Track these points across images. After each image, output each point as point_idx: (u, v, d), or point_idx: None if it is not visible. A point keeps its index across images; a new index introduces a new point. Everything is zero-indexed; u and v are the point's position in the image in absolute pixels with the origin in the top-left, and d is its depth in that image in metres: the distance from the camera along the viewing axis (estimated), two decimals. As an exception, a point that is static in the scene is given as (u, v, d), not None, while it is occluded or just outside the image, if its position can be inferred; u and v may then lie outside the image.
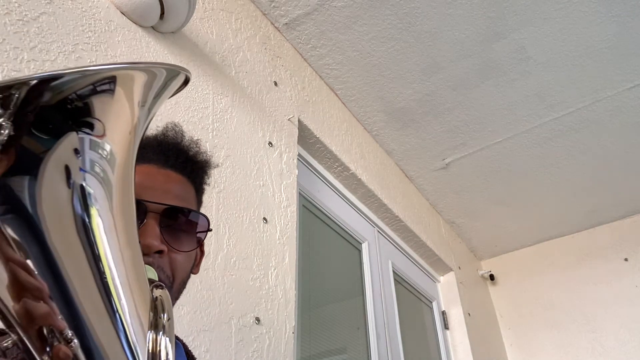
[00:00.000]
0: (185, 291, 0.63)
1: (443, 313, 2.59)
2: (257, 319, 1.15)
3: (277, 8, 1.74)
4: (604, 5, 1.77)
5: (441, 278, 2.73)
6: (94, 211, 0.36)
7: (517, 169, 2.54)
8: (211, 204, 1.14)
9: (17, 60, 0.84)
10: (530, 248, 3.20)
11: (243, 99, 1.44)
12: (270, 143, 1.48)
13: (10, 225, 0.33)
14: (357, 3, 1.74)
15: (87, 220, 0.36)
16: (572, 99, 2.15)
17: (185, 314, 0.96)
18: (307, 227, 1.71)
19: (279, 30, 1.82)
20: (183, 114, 1.17)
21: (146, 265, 0.47)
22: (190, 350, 0.69)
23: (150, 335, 0.40)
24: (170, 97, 0.44)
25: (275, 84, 1.65)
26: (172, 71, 0.41)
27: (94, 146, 0.36)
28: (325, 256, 1.83)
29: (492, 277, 3.18)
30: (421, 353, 2.30)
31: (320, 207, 1.82)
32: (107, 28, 1.06)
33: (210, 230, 0.65)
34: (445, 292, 2.68)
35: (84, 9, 1.02)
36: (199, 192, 0.68)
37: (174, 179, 0.63)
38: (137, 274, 0.40)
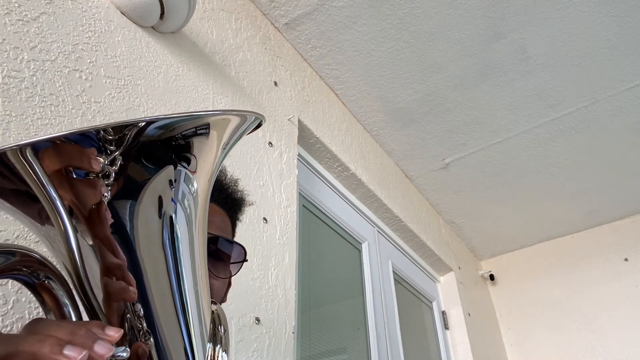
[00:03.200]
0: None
1: (443, 313, 2.59)
2: (257, 319, 1.15)
3: (277, 8, 1.74)
4: (604, 5, 1.77)
5: (441, 278, 2.73)
6: (177, 235, 0.42)
7: (517, 169, 2.54)
8: (211, 204, 1.14)
9: (17, 60, 0.84)
10: (530, 248, 3.20)
11: (243, 99, 1.44)
12: (270, 143, 1.48)
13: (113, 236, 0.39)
14: (357, 3, 1.74)
15: (171, 241, 0.42)
16: (572, 99, 2.15)
17: (185, 314, 0.96)
18: (307, 227, 1.71)
19: (279, 30, 1.81)
20: (183, 114, 1.17)
21: None
22: None
23: (209, 348, 0.45)
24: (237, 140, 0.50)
25: (275, 84, 1.65)
26: (257, 118, 0.47)
27: (187, 180, 0.42)
28: (325, 256, 1.83)
29: (492, 277, 3.18)
30: (421, 353, 2.30)
31: (320, 207, 1.82)
32: (107, 28, 1.06)
33: (246, 260, 0.69)
34: (445, 292, 2.68)
35: (84, 9, 1.02)
36: (234, 225, 0.74)
37: (216, 211, 0.69)
38: (206, 290, 0.46)
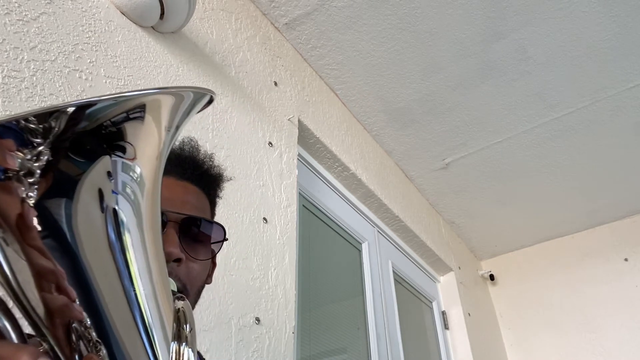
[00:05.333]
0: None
1: (443, 313, 2.59)
2: (257, 319, 1.15)
3: (277, 8, 1.74)
4: (604, 5, 1.77)
5: (441, 278, 2.73)
6: (124, 229, 0.38)
7: (517, 169, 2.54)
8: (211, 204, 1.13)
9: (17, 60, 0.84)
10: (530, 248, 3.20)
11: (243, 99, 1.44)
12: (270, 143, 1.48)
13: (47, 242, 0.35)
14: (357, 3, 1.74)
15: (118, 237, 0.38)
16: (572, 99, 2.15)
17: (185, 314, 0.96)
18: (307, 227, 1.71)
19: (279, 30, 1.81)
20: (183, 114, 1.17)
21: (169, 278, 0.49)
22: (204, 358, 0.69)
23: (174, 346, 0.42)
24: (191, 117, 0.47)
25: (275, 84, 1.65)
26: (198, 93, 0.42)
27: (126, 168, 0.38)
28: (325, 256, 1.83)
29: (492, 277, 3.18)
30: (421, 353, 2.30)
31: (320, 207, 1.82)
32: (107, 28, 1.06)
33: (227, 239, 0.67)
34: (445, 292, 2.68)
35: (84, 9, 1.02)
36: (212, 204, 0.71)
37: (191, 190, 0.66)
38: (164, 286, 0.42)
